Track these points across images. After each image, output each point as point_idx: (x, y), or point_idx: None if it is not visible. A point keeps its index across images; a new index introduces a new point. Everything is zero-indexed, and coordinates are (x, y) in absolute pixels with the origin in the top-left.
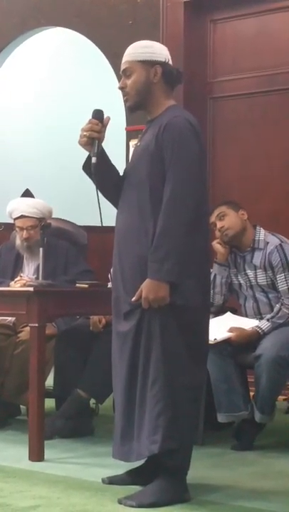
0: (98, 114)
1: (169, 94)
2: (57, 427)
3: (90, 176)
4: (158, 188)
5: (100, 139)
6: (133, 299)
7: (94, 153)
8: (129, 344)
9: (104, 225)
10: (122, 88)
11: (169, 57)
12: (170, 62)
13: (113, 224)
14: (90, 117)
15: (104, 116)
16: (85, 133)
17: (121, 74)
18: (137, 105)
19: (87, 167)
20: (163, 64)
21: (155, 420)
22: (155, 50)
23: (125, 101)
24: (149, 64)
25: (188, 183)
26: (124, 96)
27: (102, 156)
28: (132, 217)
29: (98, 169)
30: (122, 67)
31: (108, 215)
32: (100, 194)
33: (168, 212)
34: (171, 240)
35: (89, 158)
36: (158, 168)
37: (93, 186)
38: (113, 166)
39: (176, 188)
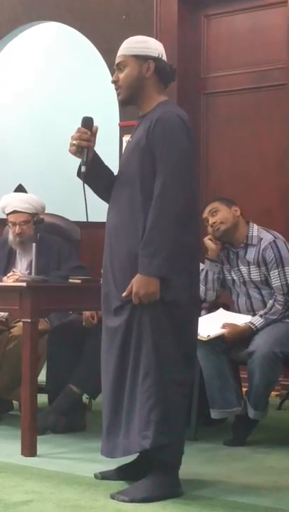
0: (87, 122)
1: (162, 90)
2: (49, 422)
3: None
4: (149, 184)
5: (90, 147)
6: (123, 294)
7: (83, 161)
8: (119, 339)
9: (97, 220)
10: (114, 82)
11: (164, 53)
12: (164, 58)
13: (105, 220)
14: (80, 125)
15: (94, 125)
16: (74, 142)
17: (114, 68)
18: (129, 99)
19: (79, 174)
20: (156, 59)
21: (147, 415)
22: (149, 45)
23: (118, 95)
24: (142, 59)
25: (178, 179)
26: (116, 90)
27: (94, 161)
28: (122, 213)
29: (90, 176)
30: (116, 61)
31: (100, 210)
32: (89, 192)
33: (158, 208)
34: (162, 235)
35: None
36: (149, 164)
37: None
38: (107, 168)
39: (166, 184)
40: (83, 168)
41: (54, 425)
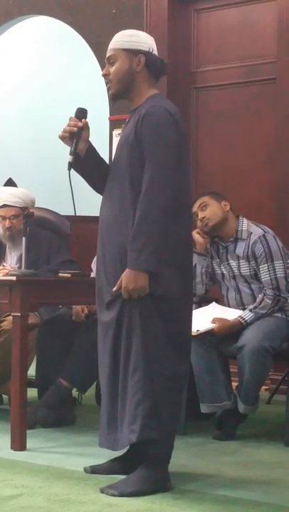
0: (80, 113)
1: (152, 84)
2: (39, 416)
3: (77, 171)
4: (138, 178)
5: (83, 138)
6: (114, 289)
7: (71, 151)
8: (111, 334)
9: (86, 214)
10: (105, 75)
11: (154, 47)
12: (155, 53)
13: (94, 213)
14: (73, 115)
15: (83, 120)
16: (65, 128)
17: (105, 61)
18: (119, 93)
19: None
20: (147, 53)
21: (134, 409)
22: (140, 39)
23: (108, 88)
24: (132, 53)
25: (165, 173)
26: (107, 83)
27: (89, 153)
28: (113, 207)
29: (84, 167)
30: (107, 54)
31: (89, 204)
32: (78, 185)
33: (145, 203)
34: (149, 229)
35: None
36: (137, 158)
37: (76, 176)
38: (102, 161)
39: (154, 178)
40: (69, 158)
41: (44, 419)
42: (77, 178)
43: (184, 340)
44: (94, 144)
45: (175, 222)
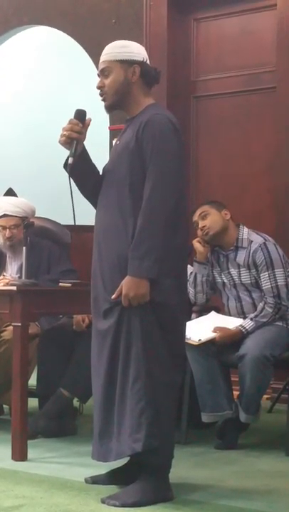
0: (80, 115)
1: (148, 93)
2: (40, 426)
3: (71, 174)
4: (138, 186)
5: (80, 140)
6: (113, 296)
7: (71, 153)
8: (109, 342)
9: (86, 224)
10: (100, 87)
11: (147, 56)
12: (148, 62)
13: (93, 223)
14: (72, 117)
15: (87, 117)
16: (64, 132)
17: (98, 74)
18: (115, 105)
19: (66, 166)
20: (141, 63)
21: (138, 418)
22: (133, 49)
23: (103, 100)
24: (127, 63)
25: (168, 181)
26: (101, 95)
27: (82, 156)
28: (111, 215)
29: (76, 169)
30: (100, 66)
31: (89, 213)
32: (79, 193)
33: (147, 211)
34: (151, 237)
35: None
36: (138, 166)
37: (75, 185)
38: (94, 165)
39: (156, 186)
40: (70, 160)
41: (45, 430)
42: (74, 186)
43: (180, 348)
44: (94, 154)
45: (174, 230)
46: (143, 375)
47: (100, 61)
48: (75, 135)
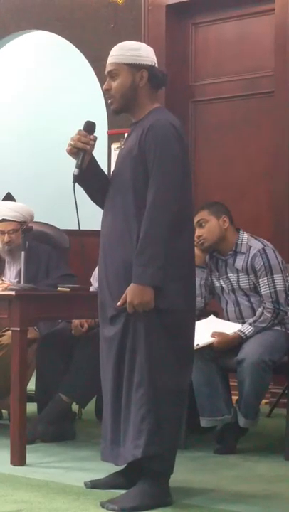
0: (88, 126)
1: (154, 97)
2: (39, 431)
3: (80, 184)
4: (142, 191)
5: (87, 151)
6: (118, 303)
7: (77, 164)
8: (115, 348)
9: (87, 228)
10: (106, 90)
11: (155, 59)
12: (156, 65)
13: (93, 227)
14: (82, 128)
15: (95, 130)
16: (71, 142)
17: (106, 75)
18: (122, 108)
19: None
20: (149, 68)
21: (139, 424)
22: (142, 53)
23: (110, 103)
24: (135, 67)
25: (171, 187)
26: (109, 98)
27: (91, 166)
28: (116, 220)
29: (85, 179)
30: (108, 68)
31: (90, 218)
32: (80, 198)
33: (151, 217)
34: (155, 244)
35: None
36: (141, 171)
37: (77, 190)
38: (104, 175)
39: (159, 192)
40: (75, 171)
41: (43, 434)
42: (77, 192)
43: (187, 353)
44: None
45: (178, 236)
46: (146, 381)
47: (108, 62)
48: (80, 145)
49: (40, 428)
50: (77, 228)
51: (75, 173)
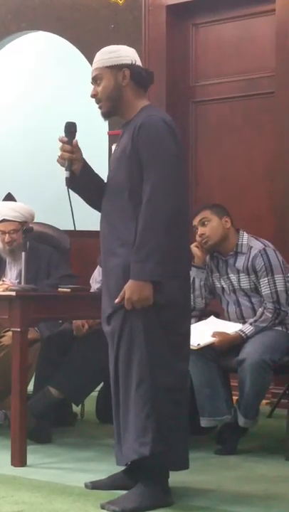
0: (69, 128)
1: (142, 95)
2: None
3: (74, 190)
4: (138, 190)
5: (73, 159)
6: (116, 300)
7: (66, 167)
8: (114, 345)
9: (86, 229)
10: (94, 96)
11: (137, 58)
12: (138, 63)
13: (92, 228)
14: (63, 130)
15: (77, 129)
16: (59, 154)
17: (91, 82)
18: (111, 111)
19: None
20: (130, 66)
21: (144, 422)
22: (121, 53)
23: (99, 108)
24: (116, 68)
25: (166, 183)
26: (97, 103)
27: (84, 171)
28: (114, 220)
29: (79, 185)
30: (92, 74)
31: (89, 219)
32: (78, 199)
33: (148, 213)
34: (153, 239)
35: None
36: (136, 170)
37: (69, 192)
38: (98, 179)
39: (155, 188)
40: (67, 174)
41: (35, 432)
42: (74, 193)
43: (184, 350)
44: (93, 159)
45: (175, 232)
46: (147, 378)
47: (92, 69)
48: (66, 155)
49: (31, 425)
50: (73, 229)
51: (67, 176)
